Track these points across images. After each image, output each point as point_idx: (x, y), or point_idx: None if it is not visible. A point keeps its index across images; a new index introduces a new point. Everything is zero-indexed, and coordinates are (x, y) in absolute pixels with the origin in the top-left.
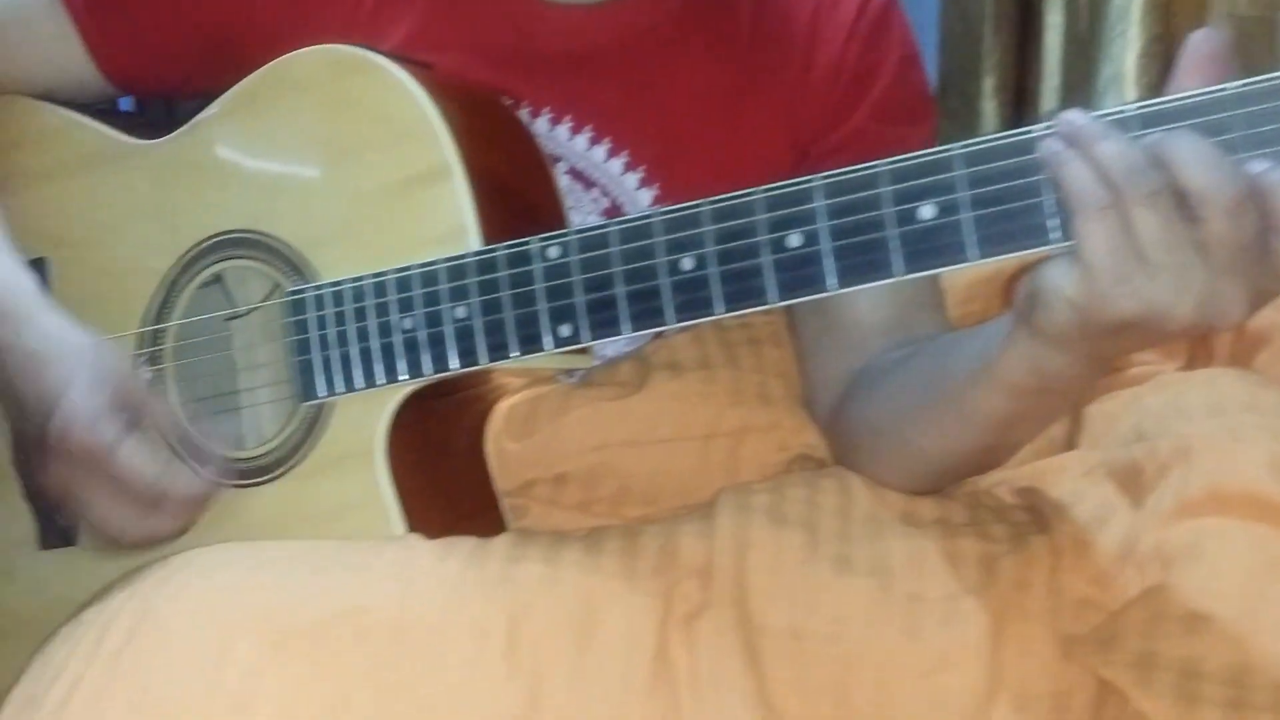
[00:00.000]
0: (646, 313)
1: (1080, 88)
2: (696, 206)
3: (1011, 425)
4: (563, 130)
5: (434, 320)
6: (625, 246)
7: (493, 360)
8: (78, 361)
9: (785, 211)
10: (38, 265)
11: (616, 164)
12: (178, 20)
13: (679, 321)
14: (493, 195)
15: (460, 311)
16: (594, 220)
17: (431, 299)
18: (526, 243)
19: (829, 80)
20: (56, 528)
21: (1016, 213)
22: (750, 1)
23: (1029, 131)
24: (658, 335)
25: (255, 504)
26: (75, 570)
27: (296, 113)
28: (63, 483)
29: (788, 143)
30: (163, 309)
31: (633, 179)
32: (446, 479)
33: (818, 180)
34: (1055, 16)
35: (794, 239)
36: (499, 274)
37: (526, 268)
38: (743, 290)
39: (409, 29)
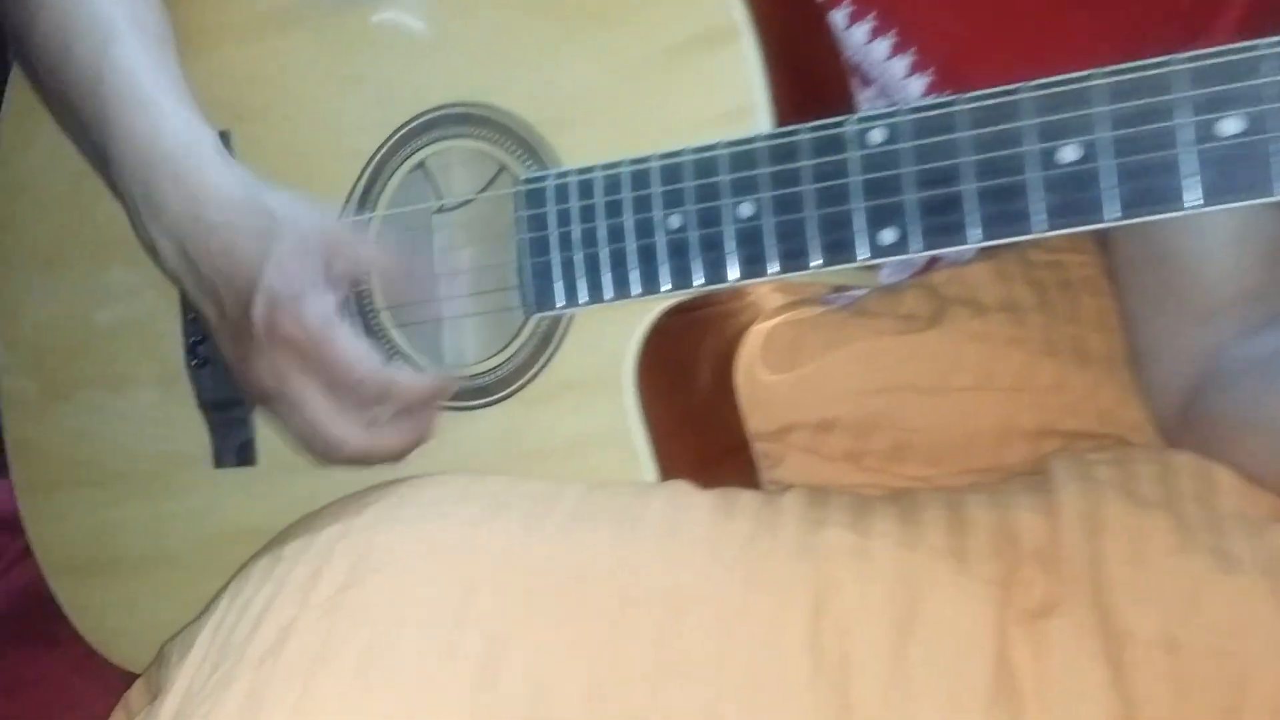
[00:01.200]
0: (1005, 217)
1: None
2: (1086, 80)
3: None
4: (840, 15)
5: (710, 219)
6: (981, 131)
7: (785, 271)
8: (277, 227)
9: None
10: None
11: (899, 64)
12: None
13: (1052, 230)
14: (785, 69)
15: (746, 209)
16: None
17: (708, 193)
18: (840, 123)
19: None
20: (234, 443)
21: None
22: None
23: None
24: (931, 264)
25: (472, 431)
26: (253, 493)
27: None
28: (267, 383)
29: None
30: (365, 198)
31: (918, 84)
32: (696, 414)
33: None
34: None
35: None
36: (801, 163)
37: (839, 156)
38: (1149, 191)
39: None
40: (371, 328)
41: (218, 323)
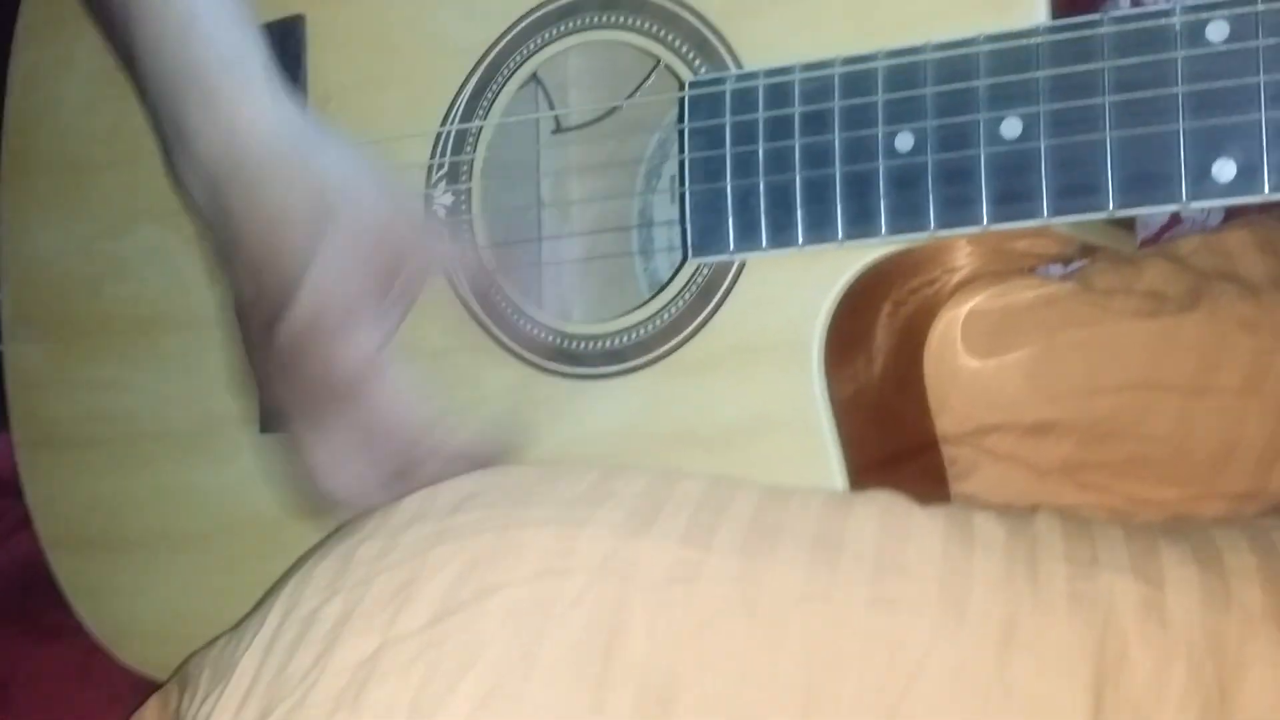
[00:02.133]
0: None
1: None
2: None
3: None
4: None
5: (956, 140)
6: None
7: (1061, 213)
8: (332, 209)
9: None
10: (289, 28)
11: None
12: None
13: None
14: None
15: (1010, 127)
16: None
17: (956, 103)
18: (1167, 12)
19: None
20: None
21: None
22: None
23: None
24: (1170, 225)
25: (600, 406)
26: None
27: None
28: (287, 408)
29: None
30: (477, 100)
31: None
32: (882, 400)
33: None
34: None
35: None
36: (1097, 64)
37: (1164, 55)
38: None
39: None
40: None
41: (247, 299)
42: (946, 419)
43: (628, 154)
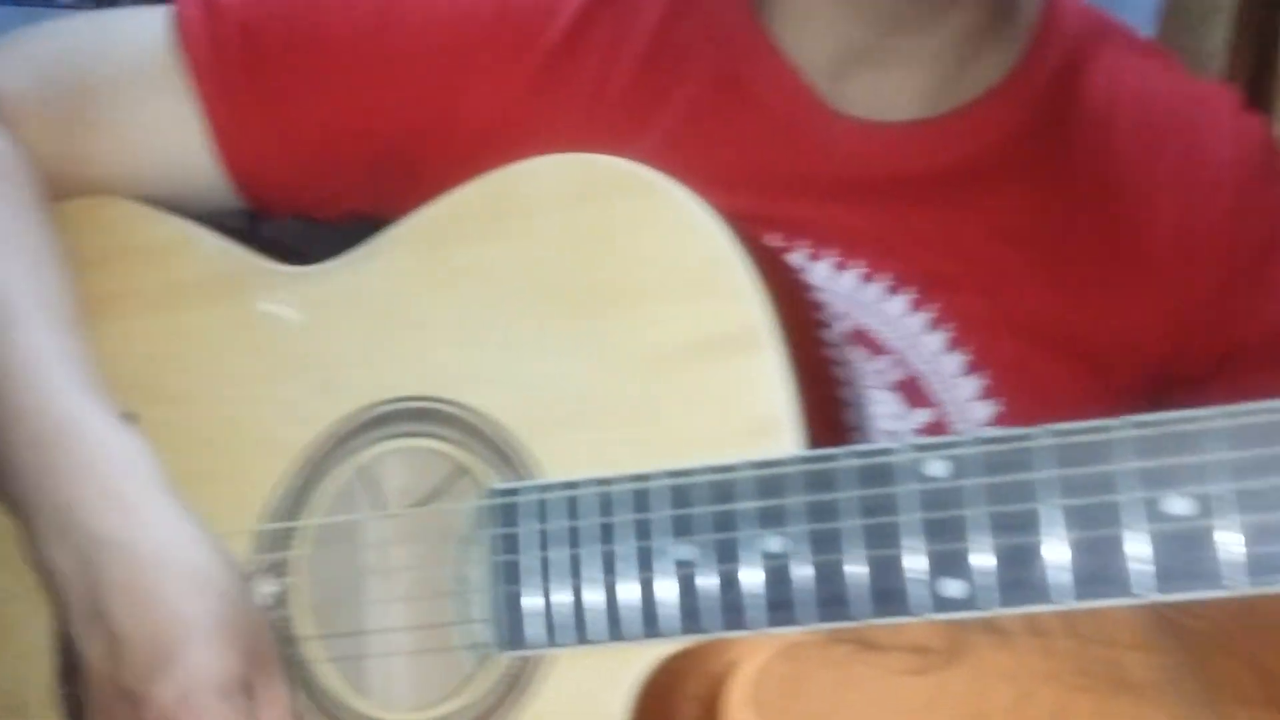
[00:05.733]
0: (1101, 576)
1: None
2: (1197, 420)
3: None
4: (850, 278)
5: (728, 553)
6: (1067, 472)
7: (824, 620)
8: (207, 602)
9: None
10: None
11: (917, 320)
12: (349, 114)
13: (1163, 594)
14: (804, 375)
15: (775, 543)
16: (881, 399)
17: (726, 521)
18: (888, 450)
19: (1219, 246)
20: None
21: None
22: (1095, 139)
23: None
24: None
25: None
26: None
27: (525, 244)
28: None
29: (1160, 318)
30: (298, 499)
31: (936, 341)
32: None
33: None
34: None
35: None
36: (840, 494)
37: (887, 489)
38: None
39: (658, 140)
40: (293, 660)
41: (99, 666)
42: None
43: (443, 558)
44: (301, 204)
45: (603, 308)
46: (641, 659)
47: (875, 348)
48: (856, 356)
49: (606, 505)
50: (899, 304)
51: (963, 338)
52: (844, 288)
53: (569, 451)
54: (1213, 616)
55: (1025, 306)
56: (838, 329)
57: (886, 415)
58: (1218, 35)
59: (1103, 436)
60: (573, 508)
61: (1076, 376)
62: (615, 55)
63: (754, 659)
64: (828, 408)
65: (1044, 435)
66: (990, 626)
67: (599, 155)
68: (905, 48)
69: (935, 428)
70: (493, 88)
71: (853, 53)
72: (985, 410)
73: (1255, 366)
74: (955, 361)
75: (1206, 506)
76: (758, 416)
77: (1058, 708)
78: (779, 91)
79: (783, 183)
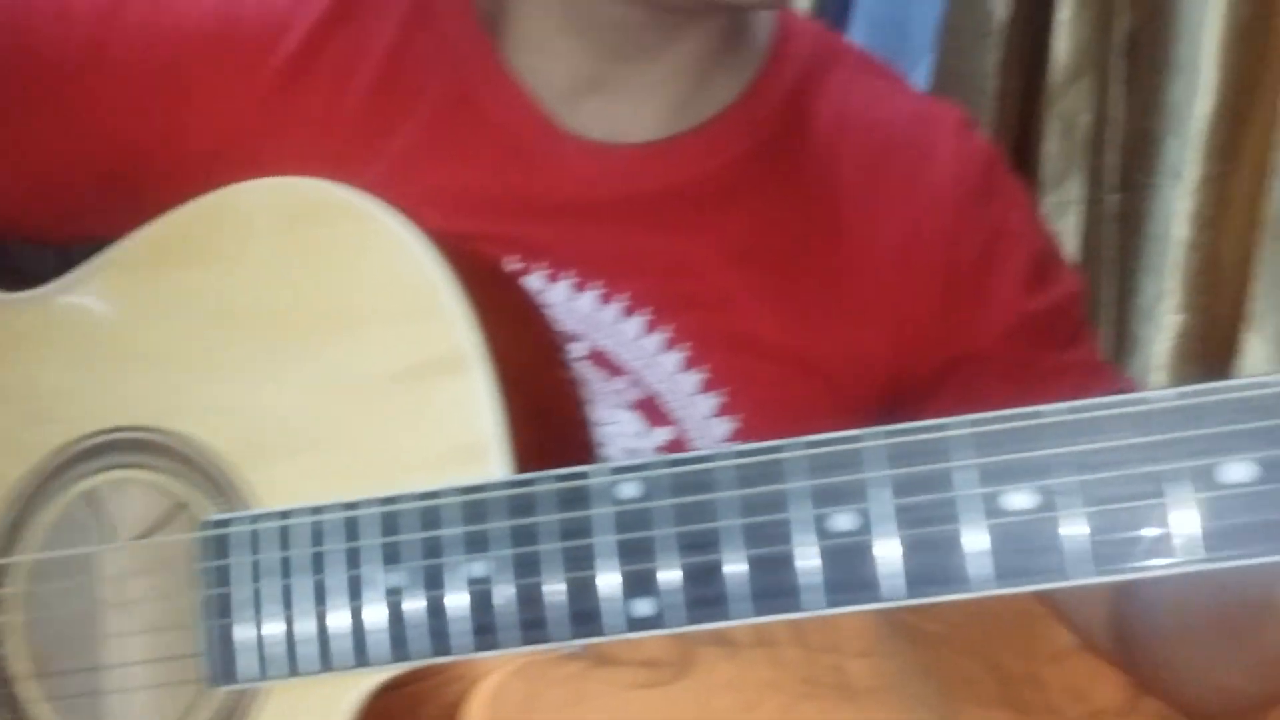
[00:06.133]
0: (776, 591)
1: None
2: (857, 440)
3: None
4: (588, 299)
5: (434, 579)
6: (749, 491)
7: (526, 643)
8: None
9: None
10: None
11: (654, 340)
12: (69, 132)
13: (831, 607)
14: (521, 401)
15: (478, 568)
16: (622, 418)
17: (433, 547)
18: (584, 473)
19: (937, 261)
20: None
21: None
22: (823, 160)
23: None
24: None
25: None
26: None
27: (237, 269)
28: None
29: (886, 333)
30: (10, 535)
31: (673, 360)
32: None
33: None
34: None
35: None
36: (541, 517)
37: (584, 512)
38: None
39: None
40: (9, 700)
41: None
42: None
43: (171, 592)
44: (29, 227)
45: (315, 333)
46: (356, 688)
47: (613, 368)
48: (595, 377)
49: (318, 534)
50: (635, 324)
51: (699, 356)
52: (583, 308)
53: (286, 480)
54: (952, 620)
55: (759, 325)
56: (577, 350)
57: (628, 434)
58: (989, 57)
59: (776, 456)
60: (285, 538)
61: (811, 392)
62: (348, 77)
63: (490, 679)
64: (565, 428)
65: (724, 456)
66: (721, 639)
67: (309, 179)
68: (635, 75)
69: (675, 445)
70: (220, 106)
71: (583, 80)
72: (724, 427)
73: (976, 377)
74: (692, 380)
75: (867, 522)
76: (467, 440)
77: (782, 715)
78: (512, 115)
79: (520, 205)
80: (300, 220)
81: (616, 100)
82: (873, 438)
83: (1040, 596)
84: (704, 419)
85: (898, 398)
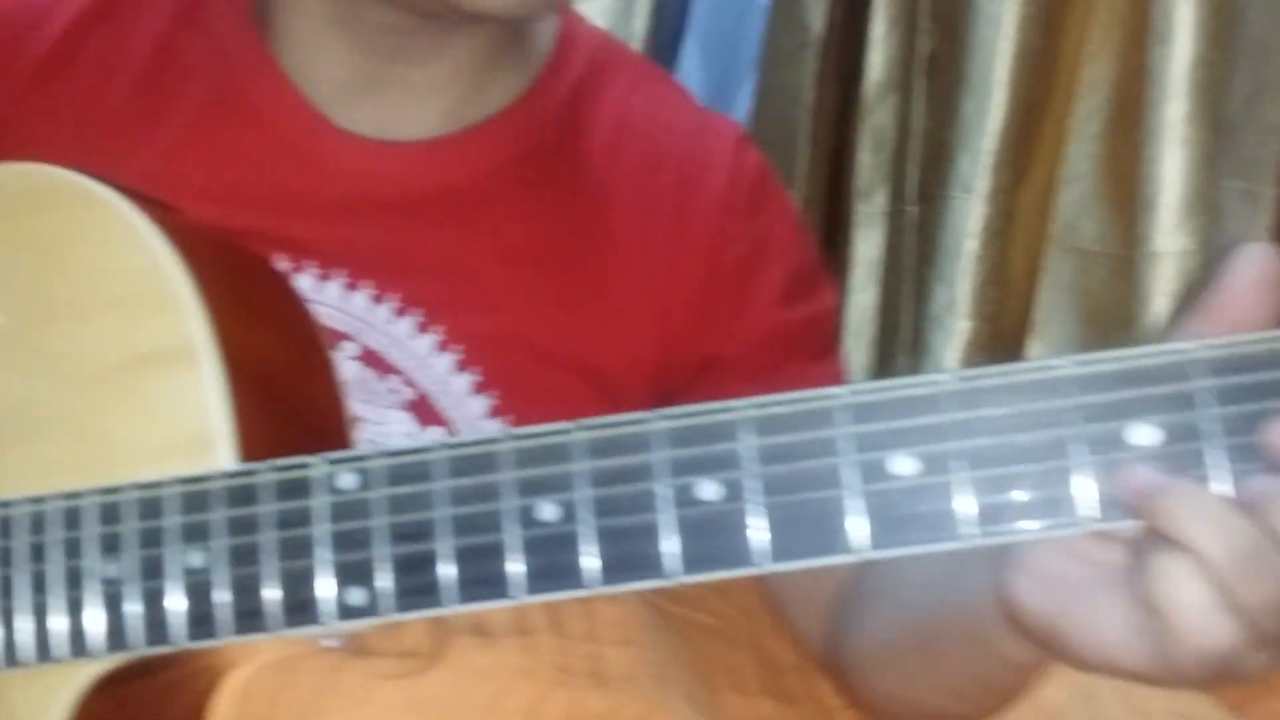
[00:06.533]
0: (484, 579)
1: None
2: (565, 433)
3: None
4: (360, 298)
5: (153, 569)
6: (459, 482)
7: (241, 632)
8: None
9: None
10: None
11: (425, 341)
12: None
13: (533, 595)
14: (255, 392)
15: (196, 559)
16: (395, 418)
17: (152, 537)
18: (305, 464)
19: (700, 266)
20: None
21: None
22: (599, 164)
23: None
24: None
25: None
26: None
27: None
28: None
29: (653, 335)
30: None
31: (445, 361)
32: None
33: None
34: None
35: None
36: (260, 508)
37: (303, 502)
38: (630, 557)
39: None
40: None
41: None
42: None
43: None
44: None
45: (47, 320)
46: (76, 678)
47: (385, 367)
48: (368, 377)
49: (39, 524)
50: (407, 325)
51: (471, 358)
52: (354, 308)
53: (14, 469)
54: (722, 611)
55: (532, 326)
56: (349, 349)
57: (401, 434)
58: (807, 70)
59: (488, 449)
60: (5, 528)
61: (585, 392)
62: (111, 70)
63: (241, 671)
64: (316, 425)
65: (439, 449)
66: (478, 629)
67: (47, 165)
68: (408, 75)
69: None
70: None
71: (356, 79)
72: (496, 427)
73: (724, 379)
74: (464, 381)
75: (571, 512)
76: (195, 431)
77: (534, 702)
78: (282, 111)
79: (289, 202)
80: (36, 205)
81: (390, 100)
82: (579, 430)
83: (770, 605)
84: (476, 420)
85: (663, 399)
